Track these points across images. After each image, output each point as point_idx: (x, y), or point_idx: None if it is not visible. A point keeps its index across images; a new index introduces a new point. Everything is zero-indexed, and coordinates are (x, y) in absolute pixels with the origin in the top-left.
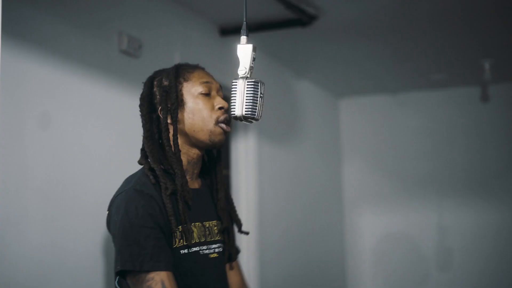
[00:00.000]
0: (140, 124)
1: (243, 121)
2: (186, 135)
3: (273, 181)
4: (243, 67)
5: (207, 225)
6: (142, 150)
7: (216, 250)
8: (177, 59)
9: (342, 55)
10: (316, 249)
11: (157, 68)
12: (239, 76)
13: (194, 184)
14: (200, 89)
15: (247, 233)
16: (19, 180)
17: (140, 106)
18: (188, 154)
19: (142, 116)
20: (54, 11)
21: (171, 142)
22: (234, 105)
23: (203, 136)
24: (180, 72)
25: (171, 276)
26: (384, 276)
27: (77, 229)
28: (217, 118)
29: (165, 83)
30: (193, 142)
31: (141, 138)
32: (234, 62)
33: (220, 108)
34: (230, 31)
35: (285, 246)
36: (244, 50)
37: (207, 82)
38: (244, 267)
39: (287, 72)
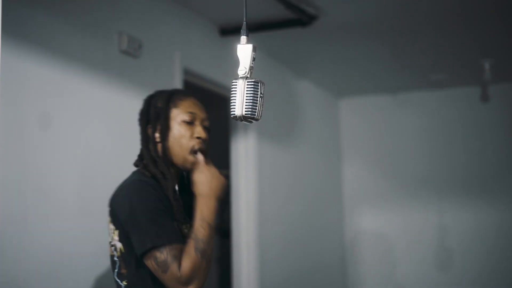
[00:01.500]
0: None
1: (243, 121)
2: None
3: (273, 181)
4: (243, 67)
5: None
6: (140, 155)
7: None
8: (177, 59)
9: (342, 55)
10: (316, 249)
11: (157, 68)
12: (239, 76)
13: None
14: (184, 117)
15: None
16: (19, 180)
17: (139, 120)
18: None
19: (140, 130)
20: (54, 11)
21: (160, 155)
22: (234, 105)
23: (178, 161)
24: (173, 98)
25: None
26: (384, 276)
27: (77, 229)
28: (193, 147)
29: (159, 105)
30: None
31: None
32: (234, 62)
33: (198, 138)
34: (230, 31)
35: (285, 246)
36: (244, 50)
37: (192, 112)
38: (244, 267)
39: (287, 72)
